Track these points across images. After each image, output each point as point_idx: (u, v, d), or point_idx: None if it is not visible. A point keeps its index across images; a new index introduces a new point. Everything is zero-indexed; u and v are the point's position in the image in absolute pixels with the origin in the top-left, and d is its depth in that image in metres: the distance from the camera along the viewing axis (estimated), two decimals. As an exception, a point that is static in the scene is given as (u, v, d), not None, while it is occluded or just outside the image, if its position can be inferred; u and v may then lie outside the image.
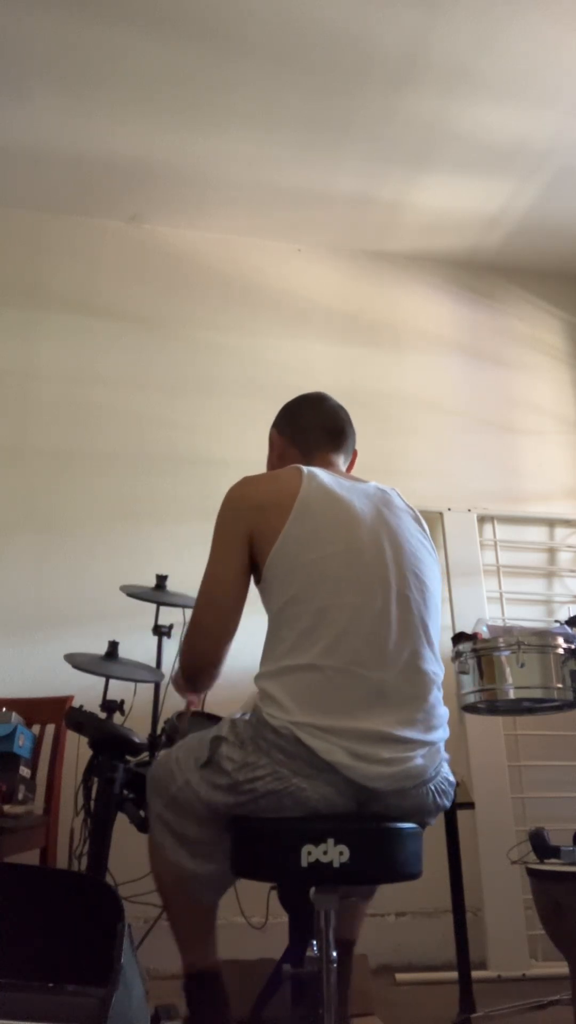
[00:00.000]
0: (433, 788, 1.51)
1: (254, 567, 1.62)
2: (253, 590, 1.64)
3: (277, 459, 1.85)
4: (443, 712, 1.56)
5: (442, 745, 1.54)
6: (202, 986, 1.62)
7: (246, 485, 1.66)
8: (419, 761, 1.46)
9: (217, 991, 1.62)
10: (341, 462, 1.83)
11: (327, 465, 1.77)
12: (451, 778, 1.59)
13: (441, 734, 1.54)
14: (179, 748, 1.64)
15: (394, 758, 1.44)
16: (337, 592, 1.51)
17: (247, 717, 1.54)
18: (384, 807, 1.47)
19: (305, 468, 1.66)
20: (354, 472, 1.87)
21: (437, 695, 1.55)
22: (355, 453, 1.91)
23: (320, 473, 1.65)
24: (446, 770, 1.57)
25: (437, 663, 1.57)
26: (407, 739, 1.46)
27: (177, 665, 1.71)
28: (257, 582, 1.62)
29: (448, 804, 1.57)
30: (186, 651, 1.65)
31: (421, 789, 1.48)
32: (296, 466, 1.68)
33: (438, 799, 1.52)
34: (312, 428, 1.82)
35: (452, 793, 1.58)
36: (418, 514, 1.74)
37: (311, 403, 1.87)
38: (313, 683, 1.46)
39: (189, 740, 1.64)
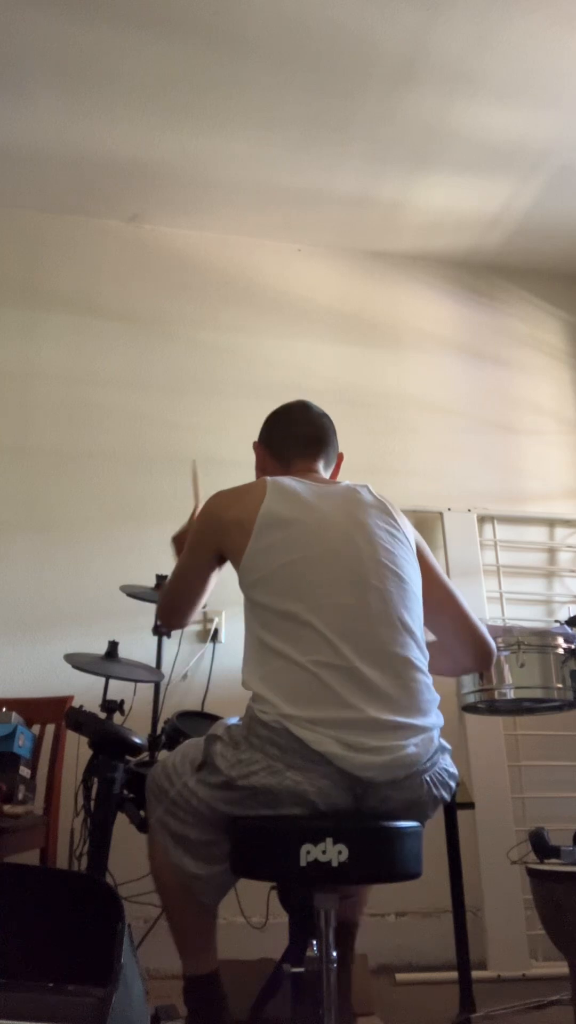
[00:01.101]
0: (429, 779, 1.50)
1: (236, 570, 1.68)
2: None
3: (259, 470, 1.92)
4: (432, 697, 1.56)
5: (436, 732, 1.53)
6: (201, 990, 1.63)
7: (214, 503, 1.75)
8: (411, 749, 1.46)
9: (216, 994, 1.63)
10: (321, 468, 1.87)
11: (306, 472, 1.82)
12: (452, 770, 1.58)
13: (433, 720, 1.53)
14: (175, 753, 1.67)
15: (385, 746, 1.44)
16: (311, 592, 1.54)
17: (240, 722, 1.55)
18: (380, 799, 1.46)
19: (270, 479, 1.71)
20: (355, 471, 1.89)
21: (423, 680, 1.55)
22: (340, 457, 1.95)
23: (287, 482, 1.71)
24: (445, 761, 1.56)
25: (420, 650, 1.58)
26: (397, 723, 1.47)
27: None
28: (240, 585, 1.67)
29: (448, 797, 1.56)
30: (158, 615, 1.93)
31: (416, 779, 1.48)
32: (264, 479, 1.74)
33: (435, 790, 1.51)
34: (288, 437, 1.88)
35: (453, 786, 1.57)
36: (388, 505, 1.75)
37: (288, 413, 1.92)
38: (298, 678, 1.48)
39: (185, 745, 1.67)
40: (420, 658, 1.57)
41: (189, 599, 1.82)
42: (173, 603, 1.85)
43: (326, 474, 1.89)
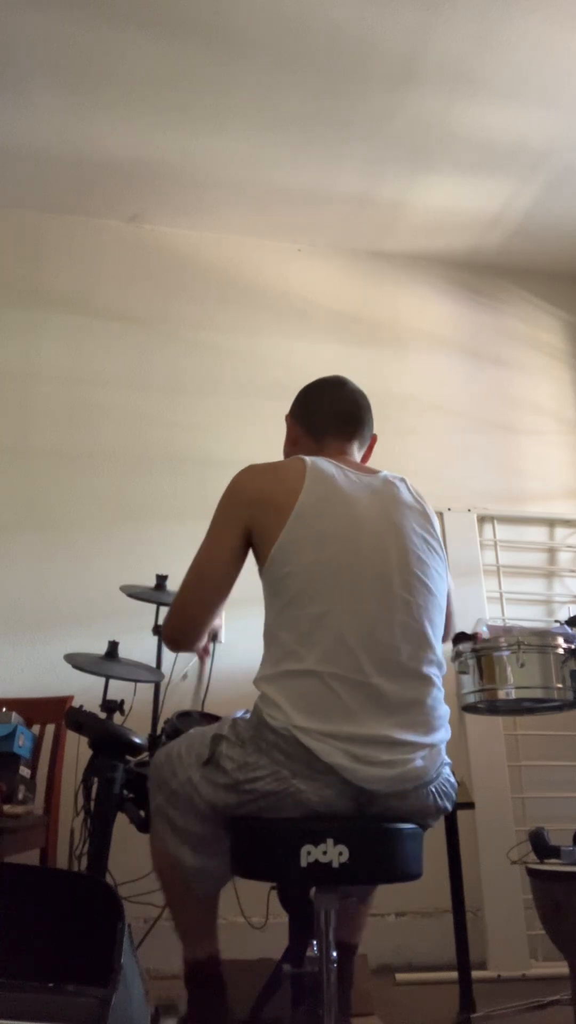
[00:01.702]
0: (434, 790, 1.50)
1: (257, 558, 1.61)
2: (252, 590, 1.64)
3: (290, 445, 1.83)
4: (443, 712, 1.55)
5: (443, 747, 1.53)
6: (202, 975, 1.62)
7: (248, 476, 1.64)
8: (419, 763, 1.46)
9: (217, 980, 1.62)
10: (355, 449, 1.79)
11: (339, 453, 1.74)
12: (453, 780, 1.58)
13: (442, 735, 1.53)
14: (181, 743, 1.63)
15: (394, 760, 1.44)
16: (337, 596, 1.50)
17: (248, 716, 1.54)
18: (384, 809, 1.46)
19: (309, 460, 1.63)
20: None
21: (437, 696, 1.54)
22: (374, 438, 1.86)
23: (325, 465, 1.63)
24: (448, 772, 1.56)
25: (438, 665, 1.56)
26: (407, 742, 1.46)
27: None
28: (260, 573, 1.61)
29: (449, 807, 1.56)
30: (168, 625, 1.64)
31: (422, 791, 1.48)
32: (300, 457, 1.65)
33: (439, 801, 1.52)
34: (324, 414, 1.78)
35: (454, 796, 1.58)
36: (426, 507, 1.69)
37: (326, 388, 1.83)
38: (312, 689, 1.45)
39: (191, 735, 1.63)
40: (437, 673, 1.55)
41: (212, 593, 1.61)
42: (189, 609, 1.61)
43: (358, 456, 1.81)
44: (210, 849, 1.57)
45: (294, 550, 1.53)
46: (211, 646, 1.95)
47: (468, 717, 2.90)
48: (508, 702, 2.47)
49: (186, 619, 1.62)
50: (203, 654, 2.01)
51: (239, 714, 1.58)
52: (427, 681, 1.52)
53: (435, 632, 1.58)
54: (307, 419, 1.80)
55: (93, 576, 3.11)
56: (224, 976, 1.63)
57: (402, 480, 1.71)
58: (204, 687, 1.74)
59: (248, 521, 1.58)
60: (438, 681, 1.55)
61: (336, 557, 1.53)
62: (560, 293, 4.01)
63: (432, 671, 1.54)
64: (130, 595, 2.46)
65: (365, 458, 1.85)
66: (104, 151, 3.24)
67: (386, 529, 1.59)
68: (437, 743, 1.51)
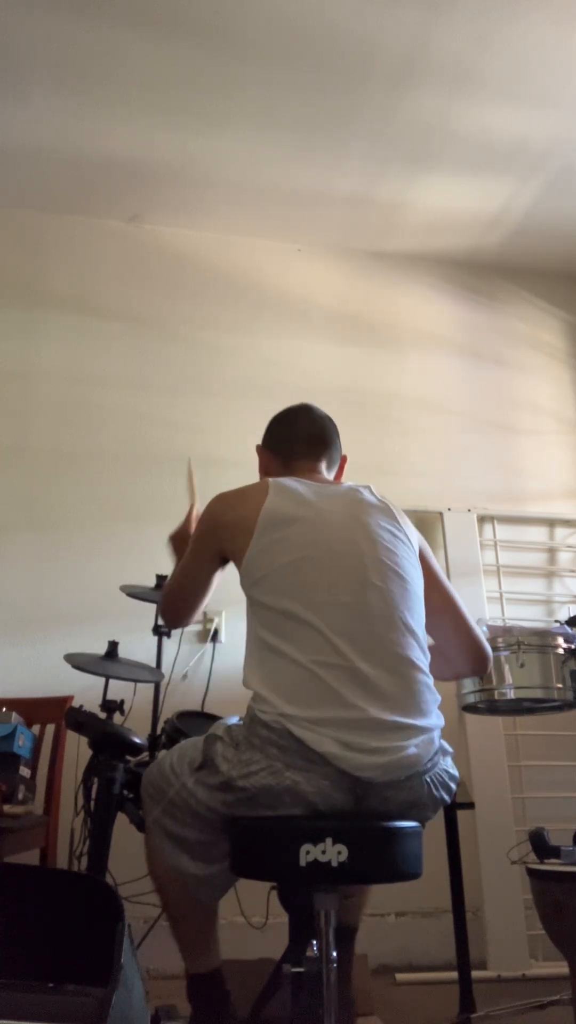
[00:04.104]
0: (430, 780, 1.50)
1: (238, 568, 1.68)
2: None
3: (262, 473, 1.92)
4: (432, 698, 1.55)
5: (437, 734, 1.53)
6: (205, 988, 1.63)
7: (216, 504, 1.75)
8: (412, 750, 1.46)
9: (220, 992, 1.63)
10: (323, 468, 1.87)
11: (308, 473, 1.82)
12: (452, 771, 1.58)
13: (434, 720, 1.53)
14: (172, 753, 1.65)
15: (386, 747, 1.44)
16: (312, 592, 1.54)
17: (241, 722, 1.55)
18: (381, 800, 1.46)
19: (272, 480, 1.71)
20: (355, 471, 1.89)
21: (424, 680, 1.55)
22: (343, 459, 1.95)
23: (289, 482, 1.71)
24: (446, 763, 1.56)
25: (421, 650, 1.57)
26: (396, 723, 1.46)
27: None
28: (241, 584, 1.66)
29: (448, 799, 1.56)
30: (162, 608, 1.91)
31: (416, 780, 1.48)
32: (265, 479, 1.74)
33: (436, 792, 1.51)
34: (291, 439, 1.88)
35: (453, 788, 1.57)
36: (391, 506, 1.75)
37: (291, 416, 1.93)
38: (297, 677, 1.48)
39: (182, 746, 1.66)
40: (421, 658, 1.56)
41: (191, 600, 1.82)
42: (175, 604, 1.85)
43: (329, 476, 1.89)
44: (209, 856, 1.58)
45: (265, 556, 1.60)
46: None
47: (468, 717, 2.90)
48: (508, 702, 2.47)
49: (170, 615, 1.89)
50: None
51: (233, 720, 1.59)
52: (410, 664, 1.53)
53: (414, 618, 1.60)
54: (276, 446, 1.91)
55: (93, 576, 3.11)
56: (227, 988, 1.64)
57: (366, 487, 1.79)
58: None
59: (219, 545, 1.72)
60: (423, 666, 1.56)
61: (307, 556, 1.58)
62: (560, 293, 4.01)
63: (414, 654, 1.55)
64: (130, 595, 2.46)
65: (337, 478, 1.94)
66: (104, 151, 3.24)
67: (354, 526, 1.65)
68: (428, 728, 1.50)
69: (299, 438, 1.88)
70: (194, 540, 1.79)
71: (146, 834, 1.68)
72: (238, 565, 1.66)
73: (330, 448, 1.89)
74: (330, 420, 1.92)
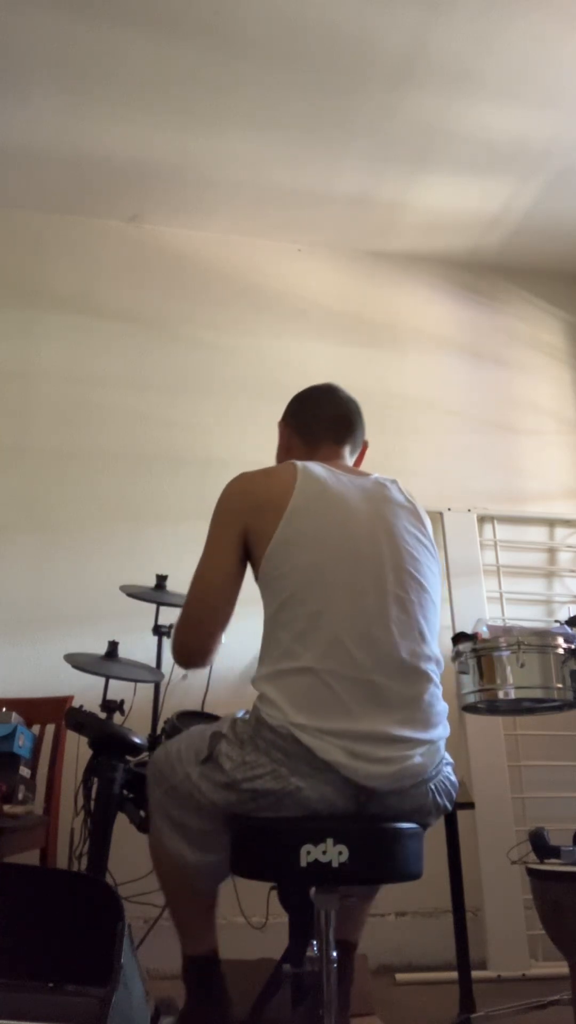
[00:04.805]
0: (433, 787, 1.50)
1: (252, 563, 1.62)
2: (251, 591, 1.64)
3: (283, 452, 1.85)
4: (442, 708, 1.55)
5: (442, 743, 1.53)
6: (200, 970, 1.63)
7: (241, 483, 1.66)
8: (417, 760, 1.46)
9: (215, 975, 1.63)
10: (347, 454, 1.81)
11: (331, 457, 1.76)
12: (453, 779, 1.58)
13: (441, 731, 1.53)
14: (180, 740, 1.63)
15: (392, 757, 1.44)
16: (332, 595, 1.51)
17: (247, 717, 1.54)
18: (384, 807, 1.46)
19: (300, 464, 1.65)
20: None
21: (435, 692, 1.54)
22: (365, 444, 1.89)
23: (316, 469, 1.64)
24: (448, 771, 1.56)
25: (435, 661, 1.57)
26: (405, 738, 1.46)
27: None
28: (256, 578, 1.62)
29: (450, 806, 1.56)
30: (176, 642, 1.63)
31: (421, 788, 1.48)
32: (292, 462, 1.67)
33: (439, 799, 1.52)
34: (316, 419, 1.81)
35: (454, 795, 1.58)
36: (418, 507, 1.71)
37: (317, 394, 1.85)
38: (309, 687, 1.46)
39: (191, 732, 1.63)
40: (435, 669, 1.56)
41: (218, 609, 1.59)
42: (196, 625, 1.60)
43: (351, 460, 1.83)
44: (209, 845, 1.57)
45: (288, 551, 1.54)
46: None
47: (468, 717, 2.90)
48: (508, 702, 2.47)
49: (196, 631, 1.60)
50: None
51: (239, 714, 1.58)
52: (424, 677, 1.53)
53: (430, 628, 1.59)
54: (300, 426, 1.83)
55: (93, 576, 3.11)
56: (223, 971, 1.63)
57: (393, 481, 1.74)
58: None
59: (244, 526, 1.59)
60: (436, 677, 1.55)
61: (330, 556, 1.54)
62: (560, 293, 4.01)
63: (429, 667, 1.54)
64: (130, 595, 2.46)
65: (357, 463, 1.87)
66: (104, 151, 3.24)
67: (379, 528, 1.60)
68: (435, 739, 1.51)
69: (325, 418, 1.81)
70: (215, 524, 1.63)
71: (149, 816, 1.67)
72: (260, 551, 1.56)
73: (355, 432, 1.83)
74: (356, 403, 1.86)
